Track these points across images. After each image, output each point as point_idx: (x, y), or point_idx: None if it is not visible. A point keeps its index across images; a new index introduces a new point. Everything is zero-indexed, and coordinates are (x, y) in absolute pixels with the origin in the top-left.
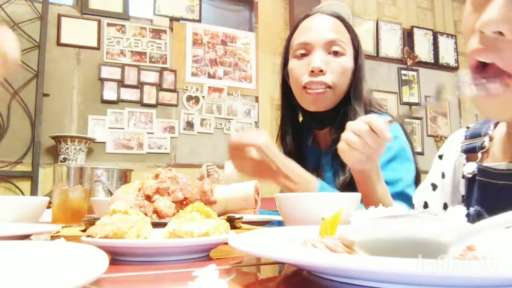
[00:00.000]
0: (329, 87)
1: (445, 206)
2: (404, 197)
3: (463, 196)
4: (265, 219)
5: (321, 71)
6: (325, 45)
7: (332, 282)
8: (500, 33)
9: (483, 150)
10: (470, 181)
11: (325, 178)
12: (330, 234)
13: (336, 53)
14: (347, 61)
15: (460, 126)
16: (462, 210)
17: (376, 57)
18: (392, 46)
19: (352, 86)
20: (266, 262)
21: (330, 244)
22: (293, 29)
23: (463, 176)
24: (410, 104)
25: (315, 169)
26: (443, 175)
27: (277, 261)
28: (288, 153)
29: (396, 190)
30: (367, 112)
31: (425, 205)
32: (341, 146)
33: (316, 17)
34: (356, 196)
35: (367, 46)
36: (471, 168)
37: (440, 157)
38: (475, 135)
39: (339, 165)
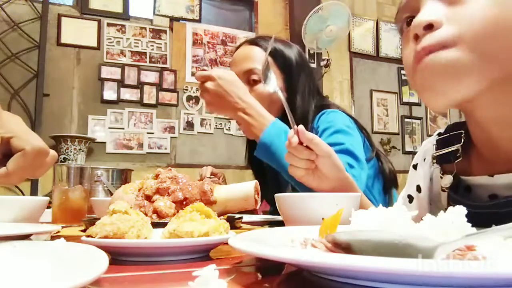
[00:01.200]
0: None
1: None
2: (349, 153)
3: (446, 209)
4: (265, 219)
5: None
6: (244, 76)
7: (332, 282)
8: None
9: (458, 161)
10: (449, 197)
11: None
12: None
13: (254, 82)
14: (264, 87)
15: None
16: (462, 210)
17: (376, 57)
18: (392, 46)
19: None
20: (266, 262)
21: (330, 244)
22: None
23: (442, 189)
24: (410, 104)
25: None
26: (418, 188)
27: (277, 261)
28: (253, 168)
29: (341, 148)
30: (307, 121)
31: None
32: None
33: (240, 48)
34: (356, 196)
35: (367, 46)
36: (448, 181)
37: (415, 167)
38: (446, 143)
39: None
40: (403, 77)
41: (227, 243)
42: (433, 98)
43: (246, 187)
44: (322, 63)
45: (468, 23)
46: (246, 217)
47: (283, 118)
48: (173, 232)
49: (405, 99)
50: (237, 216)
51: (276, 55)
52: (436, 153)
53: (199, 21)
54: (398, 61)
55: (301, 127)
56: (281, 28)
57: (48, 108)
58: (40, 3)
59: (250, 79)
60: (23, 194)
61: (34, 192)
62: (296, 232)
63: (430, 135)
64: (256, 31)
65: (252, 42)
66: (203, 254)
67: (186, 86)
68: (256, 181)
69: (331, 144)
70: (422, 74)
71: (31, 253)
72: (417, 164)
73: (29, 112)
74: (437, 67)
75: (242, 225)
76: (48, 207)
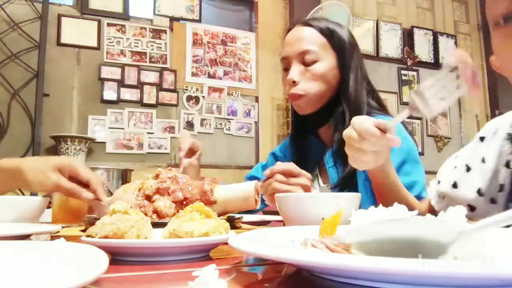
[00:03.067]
0: (301, 95)
1: (479, 191)
2: (415, 185)
3: (501, 185)
4: (265, 219)
5: (294, 82)
6: (298, 56)
7: (332, 282)
8: None
9: None
10: None
11: (328, 173)
12: (330, 234)
13: (309, 63)
14: (320, 67)
15: (460, 127)
16: (462, 210)
17: (376, 57)
18: (392, 46)
19: (340, 86)
20: (266, 262)
21: (330, 244)
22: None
23: (508, 166)
24: None
25: (317, 163)
26: (483, 160)
27: (277, 261)
28: (294, 141)
29: (413, 195)
30: (360, 112)
31: (455, 185)
32: (349, 153)
33: (292, 30)
34: (356, 196)
35: (367, 46)
36: None
37: (482, 139)
38: None
39: (342, 163)
40: (403, 77)
41: (227, 243)
42: None
43: (246, 187)
44: None
45: None
46: (246, 217)
47: (334, 102)
48: (173, 232)
49: (405, 99)
50: (237, 216)
51: (329, 34)
52: (511, 131)
53: (199, 21)
54: (398, 61)
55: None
56: (281, 28)
57: (48, 108)
58: (40, 3)
59: (305, 59)
60: (23, 194)
61: (34, 192)
62: (296, 232)
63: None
64: (256, 31)
65: (305, 23)
66: (203, 254)
67: (186, 86)
68: (256, 181)
69: (397, 173)
70: None
71: (31, 253)
72: (485, 137)
73: (29, 112)
74: None
75: (242, 225)
76: (48, 207)
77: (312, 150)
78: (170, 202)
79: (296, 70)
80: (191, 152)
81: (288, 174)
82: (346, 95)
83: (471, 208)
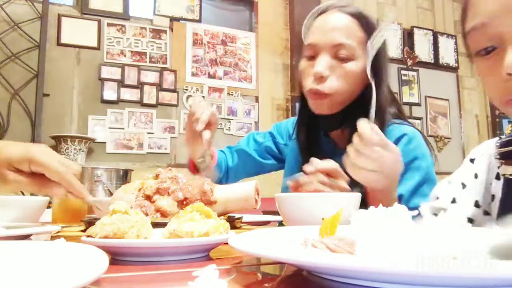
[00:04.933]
0: (327, 94)
1: (476, 203)
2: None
3: (493, 195)
4: (265, 219)
5: (322, 77)
6: (332, 49)
7: (332, 282)
8: None
9: None
10: (509, 182)
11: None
12: (330, 234)
13: (342, 59)
14: (354, 66)
15: (460, 126)
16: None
17: None
18: (392, 46)
19: (364, 90)
20: (266, 262)
21: (330, 244)
22: (309, 22)
23: (498, 177)
24: (410, 104)
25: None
26: (475, 176)
27: (277, 261)
28: (301, 143)
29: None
30: (383, 120)
31: (453, 201)
32: (350, 169)
33: (329, 15)
34: (356, 196)
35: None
36: (510, 169)
37: (472, 160)
38: (510, 143)
39: None
40: (403, 77)
41: (227, 243)
42: None
43: (246, 187)
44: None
45: None
46: (246, 217)
47: (354, 106)
48: (173, 232)
49: (405, 99)
50: (237, 216)
51: (369, 30)
52: (499, 150)
53: (199, 21)
54: (398, 61)
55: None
56: (281, 28)
57: (48, 108)
58: (40, 3)
59: (338, 53)
60: (23, 194)
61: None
62: (296, 232)
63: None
64: (256, 31)
65: (344, 10)
66: (203, 254)
67: (186, 86)
68: (256, 181)
69: (415, 193)
70: None
71: (31, 253)
72: (474, 158)
73: (29, 112)
74: None
75: (242, 225)
76: (48, 207)
77: (321, 150)
78: (172, 200)
79: (325, 63)
80: (207, 124)
81: (330, 175)
82: (378, 100)
83: (470, 220)
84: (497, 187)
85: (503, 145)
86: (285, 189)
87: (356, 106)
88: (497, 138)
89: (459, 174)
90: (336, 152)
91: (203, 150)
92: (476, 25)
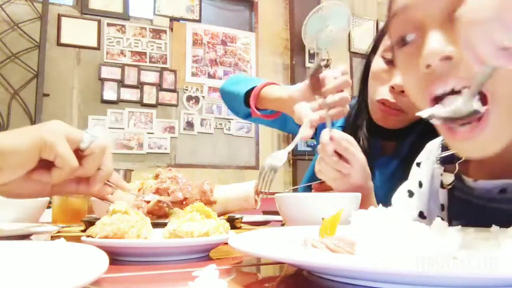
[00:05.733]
0: (403, 111)
1: (421, 214)
2: None
3: (442, 205)
4: (265, 219)
5: (402, 91)
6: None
7: (332, 282)
8: (448, 58)
9: (461, 161)
10: (450, 192)
11: (376, 182)
12: (330, 234)
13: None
14: None
15: None
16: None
17: None
18: None
19: None
20: (266, 262)
21: (330, 244)
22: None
23: (442, 186)
24: None
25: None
26: (420, 184)
27: (277, 261)
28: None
29: None
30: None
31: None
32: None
33: None
34: (356, 196)
35: (367, 46)
36: (449, 179)
37: (418, 164)
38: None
39: (391, 179)
40: None
41: (227, 243)
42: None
43: (246, 187)
44: (322, 63)
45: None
46: (246, 217)
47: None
48: (173, 232)
49: None
50: (237, 216)
51: None
52: (441, 154)
53: (199, 21)
54: None
55: (337, 133)
56: (281, 28)
57: (48, 108)
58: (40, 3)
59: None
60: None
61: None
62: (296, 232)
63: None
64: (256, 31)
65: None
66: (203, 254)
67: (186, 86)
68: (256, 181)
69: None
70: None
71: (31, 253)
72: (420, 162)
73: (29, 112)
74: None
75: (242, 225)
76: (48, 207)
77: (368, 151)
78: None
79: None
80: None
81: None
82: None
83: None
84: (444, 196)
85: (445, 146)
86: (311, 174)
87: (416, 124)
88: (442, 137)
89: (409, 180)
90: (381, 158)
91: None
92: (398, 9)
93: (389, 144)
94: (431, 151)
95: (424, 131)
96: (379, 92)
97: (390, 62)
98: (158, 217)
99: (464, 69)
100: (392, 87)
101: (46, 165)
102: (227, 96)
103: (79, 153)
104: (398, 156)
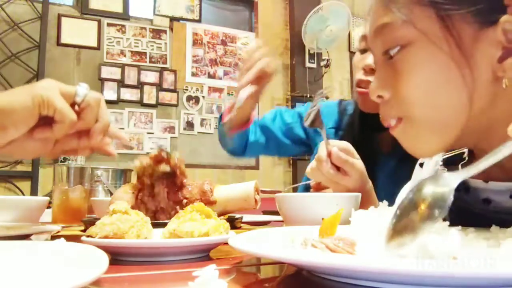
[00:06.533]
0: None
1: None
2: None
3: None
4: (265, 219)
5: (373, 69)
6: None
7: (332, 282)
8: (380, 97)
9: (463, 162)
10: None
11: (378, 181)
12: (330, 234)
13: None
14: None
15: None
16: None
17: None
18: None
19: None
20: (266, 262)
21: (330, 244)
22: None
23: None
24: None
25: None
26: None
27: (277, 261)
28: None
29: None
30: None
31: None
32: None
33: None
34: (356, 196)
35: None
36: None
37: (421, 165)
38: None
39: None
40: None
41: (227, 243)
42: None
43: (246, 187)
44: (322, 63)
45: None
46: (246, 217)
47: None
48: (173, 232)
49: None
50: (237, 216)
51: None
52: (444, 155)
53: (199, 21)
54: None
55: (335, 146)
56: (281, 28)
57: None
58: (40, 3)
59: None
60: (23, 194)
61: (34, 192)
62: (296, 232)
63: None
64: (256, 31)
65: None
66: (203, 254)
67: (186, 86)
68: (256, 181)
69: None
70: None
71: (31, 253)
72: (423, 162)
73: None
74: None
75: (242, 225)
76: (48, 207)
77: (366, 149)
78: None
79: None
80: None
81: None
82: None
83: None
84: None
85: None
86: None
87: None
88: None
89: (411, 181)
90: (380, 156)
91: (234, 107)
92: (365, 34)
93: (386, 142)
94: None
95: None
96: (356, 77)
97: (364, 51)
98: (157, 162)
99: (393, 104)
100: (364, 69)
101: (46, 123)
102: (220, 138)
103: (75, 109)
104: (396, 154)
